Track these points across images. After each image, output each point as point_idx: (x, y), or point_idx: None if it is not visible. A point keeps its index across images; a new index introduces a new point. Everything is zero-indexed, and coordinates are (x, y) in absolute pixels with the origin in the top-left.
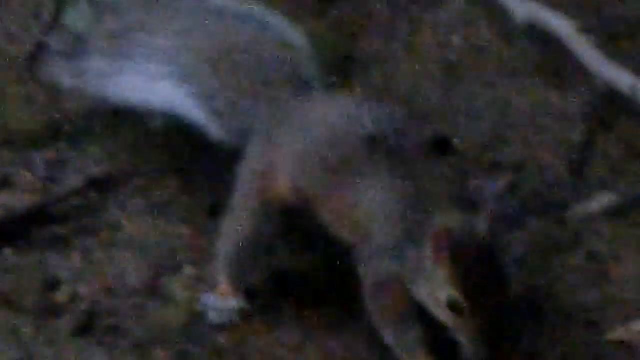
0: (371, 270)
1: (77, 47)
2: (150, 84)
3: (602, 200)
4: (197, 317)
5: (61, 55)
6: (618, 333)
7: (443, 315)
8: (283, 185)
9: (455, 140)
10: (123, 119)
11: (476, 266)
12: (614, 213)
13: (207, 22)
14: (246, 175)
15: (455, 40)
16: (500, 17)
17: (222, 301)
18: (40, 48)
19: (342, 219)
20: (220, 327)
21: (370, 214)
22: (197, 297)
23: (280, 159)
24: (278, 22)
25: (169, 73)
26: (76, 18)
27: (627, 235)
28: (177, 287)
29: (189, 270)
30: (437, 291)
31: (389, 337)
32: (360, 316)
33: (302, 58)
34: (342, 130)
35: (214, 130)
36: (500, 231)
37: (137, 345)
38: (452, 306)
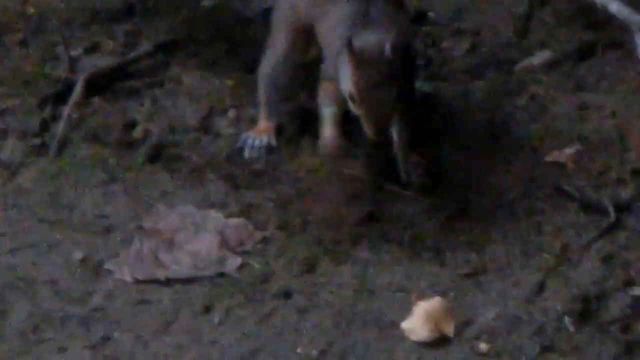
0: (323, 71)
1: None
2: None
3: (541, 56)
4: (238, 150)
5: None
6: (553, 155)
7: (349, 103)
8: (302, 18)
9: (430, 13)
10: (181, 1)
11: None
12: (550, 66)
13: None
14: (278, 16)
15: None
16: None
17: (256, 139)
18: None
19: (323, 39)
20: (254, 160)
21: (331, 33)
22: (238, 135)
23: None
24: None
25: None
26: None
27: (560, 82)
28: (223, 125)
29: (232, 112)
30: (346, 85)
31: (319, 111)
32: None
33: None
34: None
35: (246, 10)
36: (461, 81)
37: (193, 169)
38: (350, 97)
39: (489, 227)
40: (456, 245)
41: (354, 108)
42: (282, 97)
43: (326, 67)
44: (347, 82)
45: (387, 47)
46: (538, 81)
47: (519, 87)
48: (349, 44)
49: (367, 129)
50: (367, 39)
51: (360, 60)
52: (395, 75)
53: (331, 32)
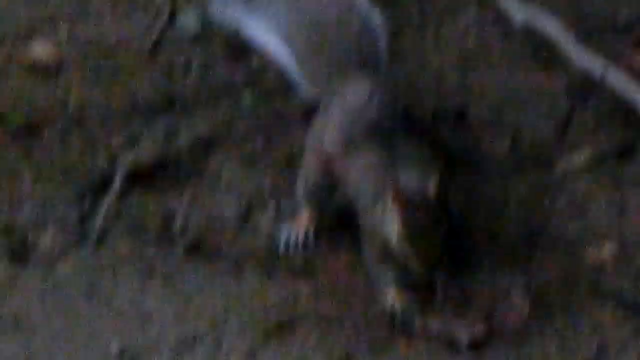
0: (362, 223)
1: None
2: (266, 36)
3: (581, 154)
4: (276, 243)
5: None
6: (592, 254)
7: (399, 250)
8: (324, 153)
9: (470, 112)
10: (221, 95)
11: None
12: (590, 164)
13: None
14: (309, 142)
15: (470, 37)
16: (503, 20)
17: (292, 232)
18: (159, 40)
19: (348, 183)
20: (288, 252)
21: (359, 180)
22: (277, 229)
23: (324, 132)
24: (363, 5)
25: (277, 35)
26: (186, 22)
27: (599, 180)
28: (263, 219)
29: (271, 206)
30: (394, 234)
31: (373, 276)
32: None
33: (379, 37)
34: (355, 116)
35: (303, 89)
36: (501, 179)
37: (233, 264)
38: (400, 241)
39: (526, 325)
40: (493, 341)
41: (405, 253)
42: (319, 204)
43: (369, 220)
44: (392, 226)
45: (431, 187)
46: (578, 179)
47: (558, 186)
48: (394, 188)
49: (417, 271)
50: (408, 183)
51: (406, 203)
52: (441, 214)
53: (361, 177)
